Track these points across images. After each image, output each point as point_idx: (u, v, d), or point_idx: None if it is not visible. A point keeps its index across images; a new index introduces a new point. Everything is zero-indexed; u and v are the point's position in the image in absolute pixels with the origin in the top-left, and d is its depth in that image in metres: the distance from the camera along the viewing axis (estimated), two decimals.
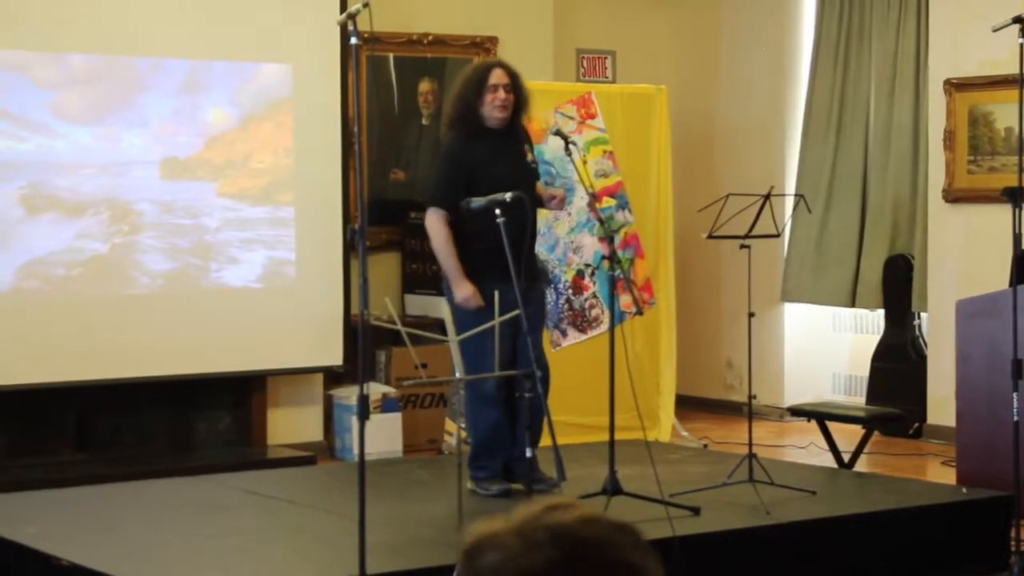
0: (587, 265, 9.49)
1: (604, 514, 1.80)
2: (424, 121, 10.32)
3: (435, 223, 6.82)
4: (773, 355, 11.05)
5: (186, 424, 9.20)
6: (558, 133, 6.80)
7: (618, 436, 6.70)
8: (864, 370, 10.67)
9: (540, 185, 7.10)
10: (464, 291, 6.73)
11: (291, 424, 9.49)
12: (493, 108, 6.84)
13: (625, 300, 8.51)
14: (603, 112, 9.61)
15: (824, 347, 11.20)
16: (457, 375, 5.99)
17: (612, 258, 6.62)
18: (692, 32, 11.69)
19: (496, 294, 6.18)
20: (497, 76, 6.86)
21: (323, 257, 9.29)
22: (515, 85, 6.90)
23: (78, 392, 8.72)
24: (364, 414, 5.17)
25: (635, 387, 7.01)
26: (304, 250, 9.26)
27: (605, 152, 9.61)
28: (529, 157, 6.81)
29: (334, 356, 9.34)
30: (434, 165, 7.56)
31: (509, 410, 6.84)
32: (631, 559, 1.76)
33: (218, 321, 9.01)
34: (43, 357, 8.53)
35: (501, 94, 6.83)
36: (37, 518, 6.53)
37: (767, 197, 7.31)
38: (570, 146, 6.68)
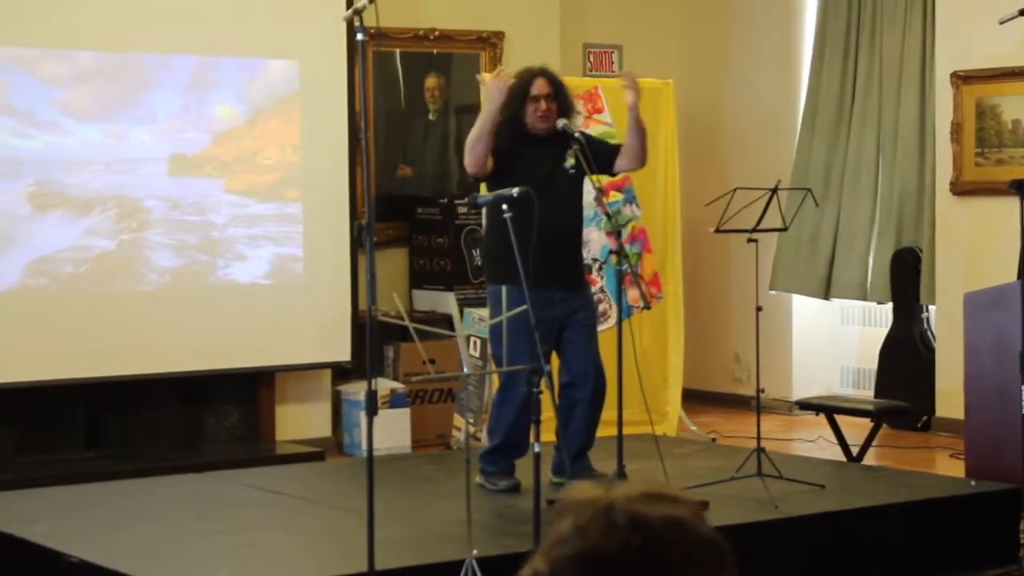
0: (595, 260, 9.48)
1: (698, 522, 1.69)
2: (431, 116, 10.32)
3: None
4: (781, 349, 11.04)
5: (194, 420, 9.21)
6: (564, 128, 6.79)
7: (626, 431, 6.71)
8: (872, 363, 10.65)
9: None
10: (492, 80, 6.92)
11: (299, 420, 9.49)
12: (535, 119, 6.87)
13: (633, 294, 8.51)
14: (610, 107, 9.59)
15: (832, 340, 11.19)
16: (465, 370, 5.98)
17: (620, 253, 6.61)
18: (699, 26, 11.68)
19: (551, 297, 6.30)
20: (538, 87, 6.88)
21: (331, 253, 9.29)
22: (557, 94, 6.91)
23: (87, 389, 8.73)
24: (372, 410, 5.17)
25: (643, 381, 7.02)
26: (312, 246, 9.26)
27: None
28: (570, 162, 6.73)
29: (342, 352, 9.34)
30: None
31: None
32: None
33: (226, 317, 9.02)
34: (51, 354, 8.55)
35: (543, 105, 6.84)
36: (46, 515, 6.54)
37: (774, 191, 7.31)
38: (574, 142, 6.69)
